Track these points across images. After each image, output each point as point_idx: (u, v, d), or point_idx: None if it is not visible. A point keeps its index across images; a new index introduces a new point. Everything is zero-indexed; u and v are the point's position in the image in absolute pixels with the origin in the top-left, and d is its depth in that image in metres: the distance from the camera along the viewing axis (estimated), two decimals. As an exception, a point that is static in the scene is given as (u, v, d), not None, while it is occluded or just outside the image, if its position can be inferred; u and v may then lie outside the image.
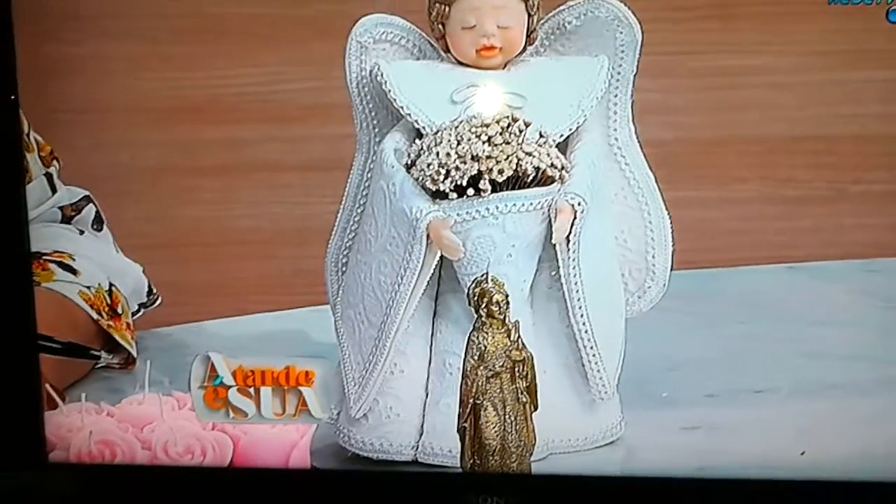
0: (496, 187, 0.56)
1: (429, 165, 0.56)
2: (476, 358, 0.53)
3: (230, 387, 0.53)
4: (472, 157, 0.55)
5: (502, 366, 0.53)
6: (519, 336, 0.53)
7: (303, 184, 1.04)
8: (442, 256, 0.57)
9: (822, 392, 0.67)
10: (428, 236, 0.56)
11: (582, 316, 0.58)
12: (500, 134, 0.56)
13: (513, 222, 0.57)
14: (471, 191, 0.56)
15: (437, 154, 0.56)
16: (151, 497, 0.54)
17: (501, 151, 0.56)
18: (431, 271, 0.57)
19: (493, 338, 0.53)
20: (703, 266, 0.90)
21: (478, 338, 0.53)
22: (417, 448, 0.58)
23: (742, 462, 0.59)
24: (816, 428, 0.62)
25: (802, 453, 0.59)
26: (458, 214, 0.56)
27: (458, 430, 0.54)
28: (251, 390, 0.53)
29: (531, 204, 0.57)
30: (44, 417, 0.55)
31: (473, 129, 0.56)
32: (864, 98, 1.25)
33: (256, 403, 0.53)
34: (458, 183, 0.56)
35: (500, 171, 0.55)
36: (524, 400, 0.53)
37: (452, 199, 0.56)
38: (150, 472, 0.54)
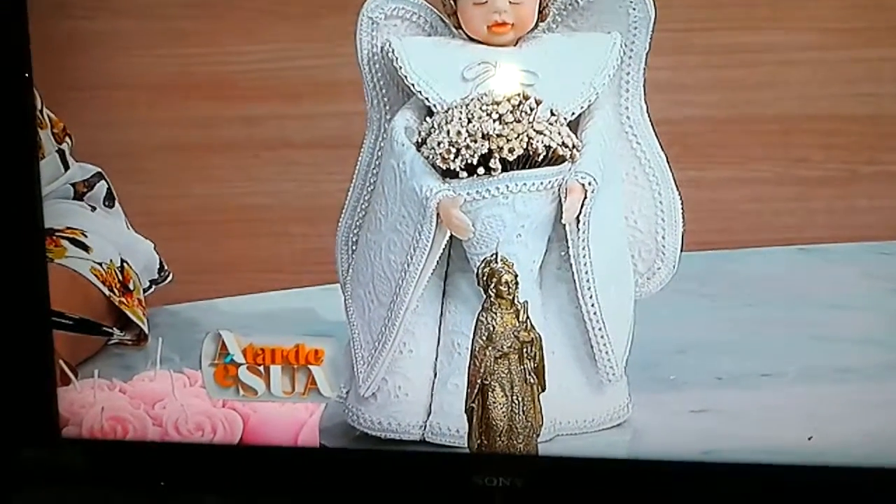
0: (506, 166, 0.55)
1: (439, 144, 0.55)
2: (484, 338, 0.52)
3: (240, 364, 0.53)
4: (483, 136, 0.54)
5: (510, 346, 0.52)
6: (527, 316, 0.52)
7: (313, 161, 1.03)
8: (451, 236, 0.56)
9: (832, 376, 0.66)
10: (438, 215, 0.55)
11: (591, 297, 0.57)
12: (511, 112, 0.55)
13: (523, 202, 0.56)
14: (481, 169, 0.55)
15: (448, 132, 0.55)
16: (163, 473, 0.54)
17: (512, 130, 0.54)
18: (441, 251, 0.56)
19: (502, 318, 0.52)
20: (714, 247, 0.89)
21: (486, 318, 0.52)
22: (425, 428, 0.58)
23: (750, 446, 0.58)
24: (825, 412, 0.61)
25: (810, 438, 0.58)
26: (467, 193, 0.55)
27: (465, 411, 0.53)
28: (261, 368, 0.53)
29: (541, 183, 0.56)
30: (57, 394, 0.55)
31: (484, 107, 0.55)
32: (880, 77, 1.22)
33: (266, 382, 0.53)
34: (469, 161, 0.55)
35: (511, 150, 0.54)
36: (532, 381, 0.53)
37: (462, 178, 0.55)
38: (162, 448, 0.53)
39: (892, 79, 1.21)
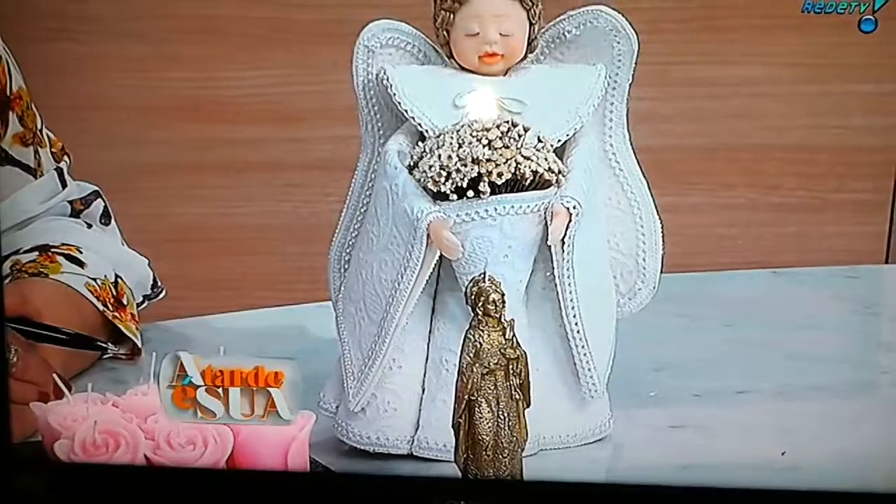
0: (495, 190, 0.55)
1: (430, 167, 0.55)
2: (472, 355, 0.52)
3: (199, 386, 0.51)
4: (473, 160, 0.55)
5: (497, 363, 0.52)
6: (514, 334, 0.53)
7: (308, 183, 1.03)
8: (441, 256, 0.56)
9: (804, 393, 0.66)
10: (428, 236, 0.55)
11: (574, 316, 0.58)
12: (500, 138, 0.55)
13: (510, 224, 0.56)
14: (470, 192, 0.55)
15: (439, 156, 0.55)
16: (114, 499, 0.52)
17: (501, 155, 0.55)
18: (431, 270, 0.57)
19: (489, 336, 0.52)
20: (692, 270, 0.90)
21: (474, 335, 0.52)
22: (413, 442, 0.58)
23: (727, 460, 0.58)
24: (798, 428, 0.62)
25: (783, 453, 0.59)
26: (457, 215, 0.56)
27: (452, 426, 0.53)
28: (219, 390, 0.51)
29: (528, 206, 0.56)
30: (10, 415, 0.53)
31: (474, 133, 0.55)
32: (847, 110, 1.25)
33: (225, 404, 0.51)
34: (459, 185, 0.55)
35: (500, 174, 0.55)
36: (517, 397, 0.53)
37: (453, 201, 0.55)
38: (113, 470, 0.51)
39: (859, 112, 1.23)
